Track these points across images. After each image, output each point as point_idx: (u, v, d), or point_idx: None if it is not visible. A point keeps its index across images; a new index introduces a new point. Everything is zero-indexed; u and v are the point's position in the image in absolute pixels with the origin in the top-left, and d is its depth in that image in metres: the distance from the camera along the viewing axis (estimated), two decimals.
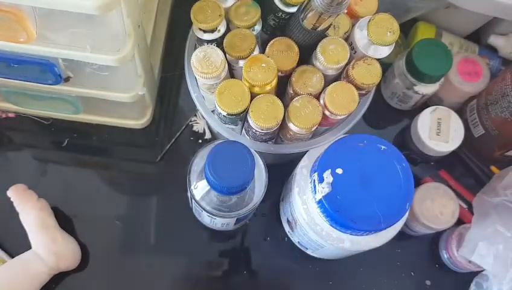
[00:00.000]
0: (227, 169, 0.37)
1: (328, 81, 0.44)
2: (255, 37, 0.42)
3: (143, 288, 0.52)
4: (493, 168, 0.57)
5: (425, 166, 0.56)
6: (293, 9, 0.42)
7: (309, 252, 0.52)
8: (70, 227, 0.53)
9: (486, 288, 0.50)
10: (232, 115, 0.42)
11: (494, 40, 0.60)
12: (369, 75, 0.42)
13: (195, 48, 0.43)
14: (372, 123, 0.60)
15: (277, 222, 0.54)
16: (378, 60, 0.43)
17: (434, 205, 0.52)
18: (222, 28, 0.43)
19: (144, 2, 0.49)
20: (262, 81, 0.41)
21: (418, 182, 0.55)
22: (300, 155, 0.46)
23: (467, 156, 0.58)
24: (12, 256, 0.51)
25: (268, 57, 0.41)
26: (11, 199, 0.51)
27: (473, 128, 0.56)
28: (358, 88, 0.43)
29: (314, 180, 0.41)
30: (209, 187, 0.40)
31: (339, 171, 0.40)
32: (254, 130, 0.43)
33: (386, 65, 0.57)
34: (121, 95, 0.48)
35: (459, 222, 0.53)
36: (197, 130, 0.58)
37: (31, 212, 0.50)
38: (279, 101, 0.42)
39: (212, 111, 0.46)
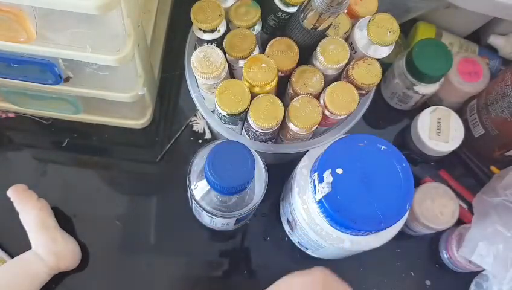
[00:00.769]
0: (227, 169, 0.37)
1: (328, 81, 0.44)
2: (255, 37, 0.42)
3: (143, 288, 0.52)
4: (493, 168, 0.57)
5: (425, 166, 0.56)
6: (293, 9, 0.42)
7: (309, 252, 0.52)
8: (70, 227, 0.53)
9: (486, 288, 0.50)
10: (232, 115, 0.42)
11: (494, 40, 0.60)
12: (369, 75, 0.42)
13: (195, 48, 0.43)
14: (372, 123, 0.60)
15: (277, 222, 0.54)
16: (378, 60, 0.43)
17: (434, 205, 0.52)
18: (222, 28, 0.43)
19: (143, 2, 0.49)
20: (262, 81, 0.41)
21: (418, 182, 0.55)
22: (300, 155, 0.46)
23: (467, 156, 0.58)
24: (12, 256, 0.51)
25: (268, 57, 0.41)
26: (11, 199, 0.51)
27: (473, 128, 0.56)
28: (358, 88, 0.43)
29: (314, 180, 0.41)
30: (209, 187, 0.40)
31: (339, 171, 0.40)
32: (254, 130, 0.43)
33: (386, 65, 0.57)
34: (121, 95, 0.48)
35: (459, 222, 0.53)
36: (197, 130, 0.58)
37: (31, 212, 0.50)
38: (279, 101, 0.42)
39: (212, 111, 0.46)
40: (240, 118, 0.43)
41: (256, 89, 0.42)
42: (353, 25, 0.44)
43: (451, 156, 0.56)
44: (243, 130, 0.46)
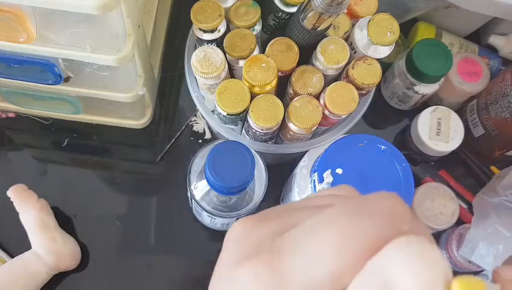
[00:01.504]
0: (227, 169, 0.37)
1: (328, 81, 0.44)
2: (255, 37, 0.42)
3: (143, 288, 0.52)
4: (493, 168, 0.57)
5: (425, 166, 0.56)
6: (293, 9, 0.42)
7: None
8: (70, 227, 0.53)
9: None
10: (232, 115, 0.42)
11: (494, 40, 0.60)
12: (369, 75, 0.42)
13: (195, 48, 0.43)
14: (372, 123, 0.60)
15: None
16: (378, 60, 0.43)
17: (434, 205, 0.51)
18: (222, 28, 0.43)
19: (143, 2, 0.48)
20: (262, 81, 0.41)
21: (418, 182, 0.55)
22: (300, 155, 0.46)
23: (467, 156, 0.58)
24: (12, 256, 0.51)
25: (268, 57, 0.41)
26: (11, 199, 0.51)
27: (473, 128, 0.56)
28: (358, 88, 0.43)
29: (314, 180, 0.41)
30: (209, 187, 0.40)
31: (339, 171, 0.40)
32: (254, 130, 0.43)
33: (386, 65, 0.57)
34: (121, 95, 0.48)
35: (459, 222, 0.52)
36: (197, 130, 0.58)
37: (31, 212, 0.50)
38: (279, 101, 0.42)
39: (212, 111, 0.46)
40: (240, 118, 0.43)
41: (256, 89, 0.42)
42: (353, 25, 0.44)
43: (451, 156, 0.56)
44: (243, 130, 0.46)
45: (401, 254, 0.16)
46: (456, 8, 0.51)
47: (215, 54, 0.41)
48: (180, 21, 0.61)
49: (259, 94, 0.42)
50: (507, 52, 0.60)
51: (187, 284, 0.53)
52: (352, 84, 0.42)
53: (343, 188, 0.22)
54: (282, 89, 0.45)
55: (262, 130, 0.42)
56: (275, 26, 0.44)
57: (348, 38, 0.45)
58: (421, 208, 0.51)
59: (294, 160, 0.48)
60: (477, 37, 0.62)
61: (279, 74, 0.43)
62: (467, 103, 0.58)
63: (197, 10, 0.42)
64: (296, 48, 0.43)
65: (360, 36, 0.43)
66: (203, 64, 0.41)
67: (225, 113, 0.42)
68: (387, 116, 0.61)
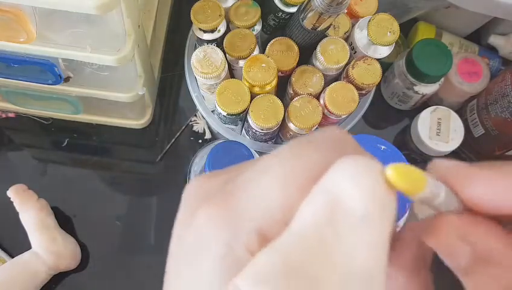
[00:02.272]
0: None
1: (328, 81, 0.44)
2: (255, 37, 0.42)
3: (143, 288, 0.52)
4: None
5: (426, 166, 0.56)
6: (293, 9, 0.42)
7: None
8: (70, 227, 0.53)
9: None
10: (232, 115, 0.42)
11: (494, 40, 0.60)
12: (369, 75, 0.42)
13: (195, 48, 0.43)
14: (372, 123, 0.60)
15: None
16: (378, 60, 0.43)
17: None
18: (222, 28, 0.43)
19: (143, 2, 0.48)
20: (262, 81, 0.41)
21: None
22: None
23: (467, 156, 0.58)
24: (12, 256, 0.51)
25: (268, 57, 0.41)
26: (11, 199, 0.50)
27: (473, 128, 0.56)
28: (358, 88, 0.43)
29: None
30: None
31: None
32: (254, 130, 0.43)
33: (386, 65, 0.57)
34: (121, 95, 0.48)
35: None
36: (197, 130, 0.58)
37: (31, 212, 0.50)
38: (279, 101, 0.42)
39: (212, 111, 0.46)
40: (240, 118, 0.43)
41: (256, 89, 0.42)
42: (353, 25, 0.44)
43: (452, 156, 0.55)
44: (243, 130, 0.46)
45: (346, 170, 0.16)
46: (456, 8, 0.51)
47: (215, 54, 0.41)
48: (180, 21, 0.61)
49: (259, 94, 0.42)
50: (507, 52, 0.60)
51: None
52: (352, 84, 0.42)
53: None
54: (282, 89, 0.45)
55: (262, 130, 0.42)
56: (275, 26, 0.44)
57: (348, 38, 0.45)
58: (422, 208, 0.51)
59: None
60: (477, 37, 0.62)
61: (279, 73, 0.43)
62: (467, 103, 0.58)
63: (197, 10, 0.42)
64: (296, 48, 0.43)
65: (360, 36, 0.43)
66: (203, 64, 0.41)
67: (225, 113, 0.42)
68: (387, 116, 0.61)
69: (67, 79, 0.47)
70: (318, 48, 0.42)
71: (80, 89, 0.48)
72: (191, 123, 0.58)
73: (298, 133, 0.43)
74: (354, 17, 0.45)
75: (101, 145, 0.57)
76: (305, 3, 0.39)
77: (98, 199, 0.55)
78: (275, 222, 0.16)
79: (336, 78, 0.44)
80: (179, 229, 0.19)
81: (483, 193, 0.18)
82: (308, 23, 0.40)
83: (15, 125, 0.57)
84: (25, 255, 0.49)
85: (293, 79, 0.43)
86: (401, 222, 0.43)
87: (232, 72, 0.45)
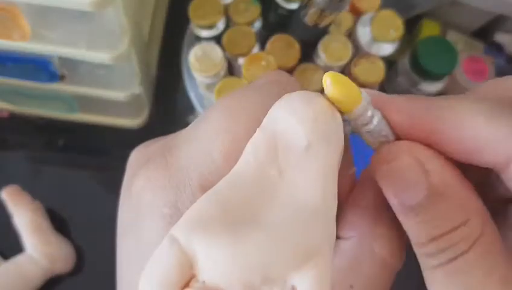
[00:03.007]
0: None
1: None
2: (254, 34, 0.42)
3: None
4: None
5: None
6: (294, 6, 0.42)
7: None
8: (65, 230, 0.52)
9: None
10: None
11: (500, 37, 0.60)
12: (372, 73, 0.42)
13: (194, 46, 0.42)
14: None
15: None
16: (381, 57, 0.42)
17: None
18: (221, 25, 0.42)
19: None
20: None
21: None
22: None
23: None
24: (6, 258, 0.51)
25: (268, 54, 0.41)
26: (5, 201, 0.50)
27: None
28: (361, 86, 0.42)
29: None
30: None
31: None
32: None
33: (389, 63, 0.56)
34: (117, 94, 0.47)
35: None
36: None
37: (25, 214, 0.49)
38: None
39: None
40: None
41: None
42: (356, 22, 0.44)
43: None
44: None
45: (285, 106, 0.16)
46: (461, 4, 0.51)
47: (214, 51, 0.40)
48: (178, 18, 0.60)
49: None
50: None
51: None
52: (355, 82, 0.42)
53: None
54: None
55: None
56: (276, 23, 0.44)
57: (350, 35, 0.44)
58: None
59: None
60: (483, 35, 0.62)
61: None
62: None
63: (196, 6, 0.41)
64: (297, 45, 0.42)
65: (363, 33, 0.43)
66: (201, 62, 0.40)
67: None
68: None
69: (62, 77, 0.46)
70: (320, 45, 0.42)
71: (76, 88, 0.47)
72: (189, 122, 0.58)
73: None
74: (357, 13, 0.45)
75: (97, 146, 0.57)
76: None
77: (93, 200, 0.54)
78: (220, 171, 0.16)
79: None
80: (121, 196, 0.19)
81: (404, 119, 0.17)
82: (309, 19, 0.39)
83: (8, 125, 0.57)
84: (19, 258, 0.48)
85: (294, 77, 0.42)
86: None
87: (231, 70, 0.44)
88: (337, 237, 0.17)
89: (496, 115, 0.16)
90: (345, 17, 0.44)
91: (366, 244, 0.18)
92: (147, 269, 0.14)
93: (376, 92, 0.19)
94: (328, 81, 0.17)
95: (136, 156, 0.19)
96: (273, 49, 0.42)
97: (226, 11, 0.43)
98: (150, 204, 0.17)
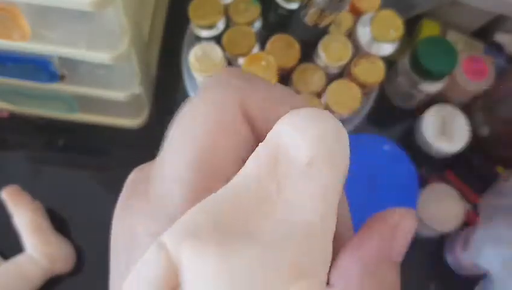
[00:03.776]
0: None
1: (330, 79, 0.43)
2: (254, 34, 0.42)
3: None
4: (499, 168, 0.56)
5: (430, 167, 0.55)
6: (294, 6, 0.41)
7: None
8: (65, 230, 0.52)
9: None
10: None
11: (500, 37, 0.59)
12: (372, 73, 0.42)
13: (194, 46, 0.42)
14: (376, 123, 0.59)
15: None
16: (381, 57, 0.42)
17: (439, 206, 0.51)
18: (221, 25, 0.42)
19: None
20: None
21: (422, 183, 0.54)
22: None
23: (473, 156, 0.57)
24: (6, 258, 0.50)
25: (268, 54, 0.41)
26: (5, 201, 0.50)
27: (478, 127, 0.56)
28: (361, 86, 0.42)
29: None
30: None
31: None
32: None
33: (389, 63, 0.56)
34: (117, 94, 0.47)
35: (465, 224, 0.52)
36: None
37: (25, 214, 0.49)
38: None
39: None
40: None
41: None
42: (356, 22, 0.44)
43: (457, 156, 0.55)
44: None
45: (291, 120, 0.15)
46: (461, 4, 0.50)
47: (214, 51, 0.40)
48: (178, 17, 0.60)
49: None
50: None
51: None
52: (355, 82, 0.42)
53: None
54: None
55: None
56: (276, 23, 0.43)
57: (350, 35, 0.44)
58: (426, 210, 0.50)
59: None
60: (483, 35, 0.62)
61: (280, 72, 0.42)
62: (472, 102, 0.57)
63: (196, 6, 0.41)
64: (297, 45, 0.42)
65: (363, 33, 0.42)
66: (201, 62, 0.40)
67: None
68: (390, 115, 0.60)
69: (62, 77, 0.46)
70: (320, 45, 0.41)
71: (76, 88, 0.47)
72: None
73: None
74: (357, 13, 0.44)
75: (97, 146, 0.57)
76: None
77: (93, 200, 0.54)
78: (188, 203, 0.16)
79: (338, 76, 0.44)
80: (113, 221, 0.19)
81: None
82: (309, 19, 0.39)
83: (8, 125, 0.57)
84: (19, 258, 0.48)
85: (294, 77, 0.42)
86: None
87: None
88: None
89: None
90: (345, 17, 0.44)
91: None
92: (133, 273, 0.13)
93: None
94: None
95: (129, 182, 0.19)
96: (273, 49, 0.42)
97: (226, 11, 0.42)
98: (131, 235, 0.17)
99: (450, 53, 0.52)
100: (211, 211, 0.14)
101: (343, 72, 0.44)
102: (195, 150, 0.16)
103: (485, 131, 0.55)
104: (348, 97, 0.41)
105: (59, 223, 0.52)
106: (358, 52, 0.43)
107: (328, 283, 0.15)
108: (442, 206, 0.51)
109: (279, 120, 0.16)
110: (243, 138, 0.17)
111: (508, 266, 0.46)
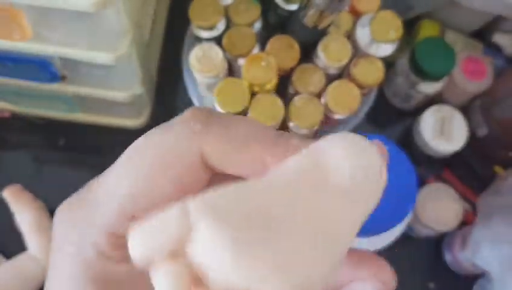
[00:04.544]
0: None
1: (330, 79, 0.43)
2: (254, 35, 0.42)
3: None
4: (497, 168, 0.57)
5: (429, 166, 0.56)
6: (294, 7, 0.42)
7: None
8: None
9: None
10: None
11: (499, 38, 0.60)
12: (371, 73, 0.42)
13: (194, 46, 0.42)
14: (375, 123, 0.59)
15: None
16: (380, 58, 0.42)
17: (437, 206, 0.51)
18: (221, 26, 0.42)
19: None
20: (262, 80, 0.40)
21: (421, 183, 0.54)
22: None
23: (471, 156, 0.58)
24: (8, 258, 0.50)
25: (268, 55, 0.41)
26: (7, 200, 0.50)
27: (476, 128, 0.56)
28: (360, 87, 0.42)
29: None
30: None
31: None
32: None
33: (388, 63, 0.56)
34: (118, 94, 0.47)
35: (463, 223, 0.52)
36: None
37: (27, 213, 0.49)
38: (279, 100, 0.41)
39: None
40: None
41: (256, 88, 0.41)
42: (355, 23, 0.44)
43: (455, 156, 0.55)
44: None
45: (340, 142, 0.16)
46: (460, 5, 0.51)
47: (214, 52, 0.40)
48: (179, 18, 0.60)
49: (259, 93, 0.41)
50: (511, 50, 0.60)
51: None
52: (354, 82, 0.42)
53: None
54: (283, 87, 0.44)
55: None
56: (276, 23, 0.44)
57: (350, 36, 0.44)
58: (424, 209, 0.51)
59: None
60: (481, 35, 0.62)
61: (280, 72, 0.42)
62: (471, 102, 0.57)
63: (196, 7, 0.41)
64: (297, 46, 0.42)
65: (362, 34, 0.42)
66: (202, 63, 0.40)
67: (224, 113, 0.41)
68: (389, 115, 0.60)
69: (63, 78, 0.46)
70: (319, 46, 0.42)
71: (77, 88, 0.47)
72: None
73: (299, 133, 0.42)
74: (356, 14, 0.44)
75: (98, 146, 0.57)
76: (306, 0, 0.39)
77: None
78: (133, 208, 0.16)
79: (338, 77, 0.44)
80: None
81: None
82: (309, 20, 0.39)
83: (10, 125, 0.57)
84: (21, 257, 0.49)
85: (293, 78, 0.42)
86: (404, 223, 0.43)
87: (231, 71, 0.44)
88: None
89: None
90: (344, 18, 0.44)
91: None
92: (146, 224, 0.14)
93: None
94: None
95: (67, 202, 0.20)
96: (273, 49, 0.42)
97: (226, 12, 0.43)
98: (59, 243, 0.18)
99: (448, 53, 0.52)
100: (244, 197, 0.14)
101: (343, 73, 0.44)
102: (137, 182, 0.17)
103: (483, 131, 0.55)
104: (348, 97, 0.41)
105: None
106: (357, 52, 0.43)
107: None
108: (440, 205, 0.51)
109: (328, 137, 0.16)
110: (194, 180, 0.17)
111: (506, 265, 0.46)
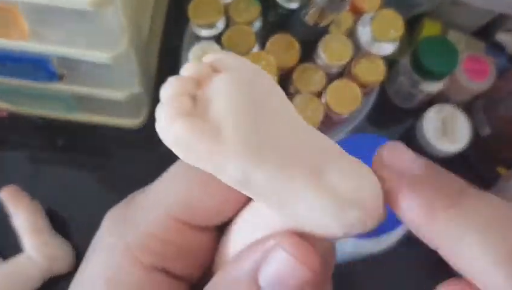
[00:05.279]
0: None
1: (330, 79, 0.43)
2: (254, 34, 0.42)
3: None
4: (500, 169, 0.56)
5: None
6: (294, 5, 0.41)
7: None
8: (64, 230, 0.52)
9: None
10: None
11: (501, 37, 0.59)
12: (372, 72, 0.41)
13: (194, 45, 0.42)
14: (376, 122, 0.59)
15: None
16: (382, 57, 0.42)
17: None
18: (221, 24, 0.42)
19: None
20: None
21: None
22: None
23: (474, 156, 0.57)
24: (5, 259, 0.50)
25: (268, 54, 0.40)
26: (3, 201, 0.50)
27: (479, 127, 0.56)
28: (361, 86, 0.42)
29: None
30: None
31: None
32: None
33: (390, 62, 0.56)
34: (117, 93, 0.47)
35: None
36: None
37: (24, 214, 0.49)
38: None
39: None
40: None
41: None
42: (356, 22, 0.44)
43: (457, 156, 0.55)
44: None
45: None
46: (462, 4, 0.50)
47: (214, 51, 0.40)
48: (178, 17, 0.60)
49: None
50: None
51: None
52: (355, 82, 0.42)
53: None
54: (283, 87, 0.44)
55: None
56: (276, 22, 0.43)
57: (351, 34, 0.44)
58: None
59: None
60: (484, 34, 0.62)
61: (280, 71, 0.42)
62: (474, 101, 0.57)
63: (195, 6, 0.41)
64: (297, 45, 0.42)
65: (364, 33, 0.42)
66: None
67: None
68: (391, 115, 0.60)
69: (61, 77, 0.46)
70: (320, 45, 0.41)
71: (75, 87, 0.47)
72: None
73: None
74: (357, 13, 0.44)
75: (97, 146, 0.57)
76: None
77: (92, 200, 0.54)
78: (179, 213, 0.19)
79: (339, 76, 0.43)
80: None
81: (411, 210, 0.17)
82: (310, 19, 0.39)
83: (8, 124, 0.57)
84: (17, 259, 0.48)
85: (294, 77, 0.42)
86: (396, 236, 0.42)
87: None
88: None
89: (501, 261, 0.15)
90: (345, 17, 0.44)
91: None
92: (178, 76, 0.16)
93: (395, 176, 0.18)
94: None
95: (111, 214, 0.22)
96: (273, 48, 0.42)
97: (226, 10, 0.42)
98: (100, 239, 0.20)
99: (451, 53, 0.52)
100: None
101: (344, 72, 0.43)
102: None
103: (486, 131, 0.55)
104: (349, 97, 0.41)
105: (59, 223, 0.52)
106: (358, 51, 0.43)
107: None
108: None
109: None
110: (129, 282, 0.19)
111: None
